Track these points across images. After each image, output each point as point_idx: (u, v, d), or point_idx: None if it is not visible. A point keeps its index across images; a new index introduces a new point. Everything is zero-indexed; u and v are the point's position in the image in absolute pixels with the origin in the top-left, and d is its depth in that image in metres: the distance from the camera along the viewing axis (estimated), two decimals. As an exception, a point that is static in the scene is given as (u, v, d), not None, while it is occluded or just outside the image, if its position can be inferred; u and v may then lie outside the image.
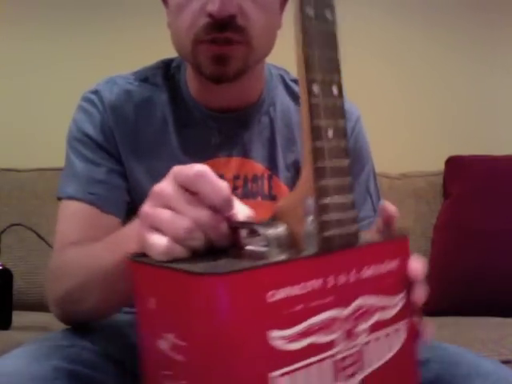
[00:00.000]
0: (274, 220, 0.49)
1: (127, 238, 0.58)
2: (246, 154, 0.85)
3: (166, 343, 0.44)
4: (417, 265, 0.54)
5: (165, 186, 0.48)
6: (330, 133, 0.47)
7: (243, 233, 0.49)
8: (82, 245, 0.74)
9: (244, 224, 0.49)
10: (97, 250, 0.67)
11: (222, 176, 0.83)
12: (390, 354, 0.52)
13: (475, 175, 1.70)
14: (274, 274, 0.43)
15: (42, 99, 1.97)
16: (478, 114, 1.96)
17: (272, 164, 0.86)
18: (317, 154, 0.46)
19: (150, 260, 0.46)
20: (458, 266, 1.59)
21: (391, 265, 0.52)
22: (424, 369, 0.66)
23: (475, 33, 1.96)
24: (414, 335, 0.55)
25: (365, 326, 0.49)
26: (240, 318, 0.41)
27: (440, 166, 1.80)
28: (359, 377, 0.49)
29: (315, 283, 0.45)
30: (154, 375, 0.47)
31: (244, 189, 0.84)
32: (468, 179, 1.70)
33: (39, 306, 1.63)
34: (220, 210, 0.47)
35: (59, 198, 0.84)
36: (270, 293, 0.42)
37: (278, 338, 0.43)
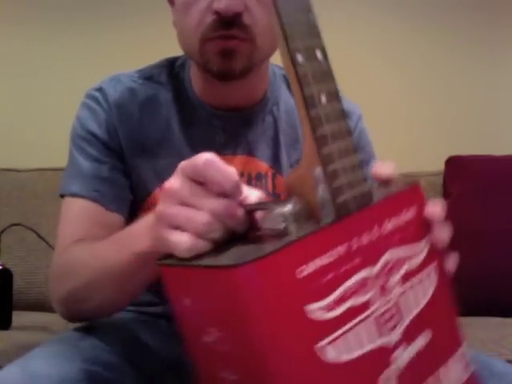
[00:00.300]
0: (285, 196, 0.49)
1: (135, 237, 0.58)
2: (250, 152, 0.86)
3: (210, 337, 0.45)
4: (434, 207, 0.54)
5: (175, 183, 0.49)
6: (323, 98, 0.47)
7: (258, 215, 0.49)
8: (86, 243, 0.75)
9: (258, 206, 0.49)
10: (102, 249, 0.67)
11: None
12: (427, 298, 0.53)
13: (475, 175, 1.70)
14: (299, 251, 0.43)
15: (42, 99, 1.97)
16: (477, 113, 1.96)
17: (276, 163, 0.86)
18: (314, 122, 0.46)
19: (178, 261, 0.46)
20: (458, 265, 1.59)
21: (409, 213, 0.52)
22: None
23: (475, 33, 1.96)
24: (444, 274, 0.56)
25: (396, 278, 0.50)
26: (275, 301, 0.42)
27: (440, 166, 1.80)
28: (401, 327, 0.50)
29: (340, 249, 0.45)
30: (208, 370, 0.48)
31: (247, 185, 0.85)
32: (468, 179, 1.70)
33: (39, 306, 1.63)
34: (231, 195, 0.48)
35: (62, 196, 0.84)
36: (299, 269, 0.43)
37: (316, 310, 0.43)
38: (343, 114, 0.48)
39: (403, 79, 1.97)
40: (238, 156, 0.85)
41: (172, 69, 0.89)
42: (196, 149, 0.83)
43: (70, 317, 0.77)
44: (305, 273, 0.43)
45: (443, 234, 0.55)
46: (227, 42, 0.76)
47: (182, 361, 0.83)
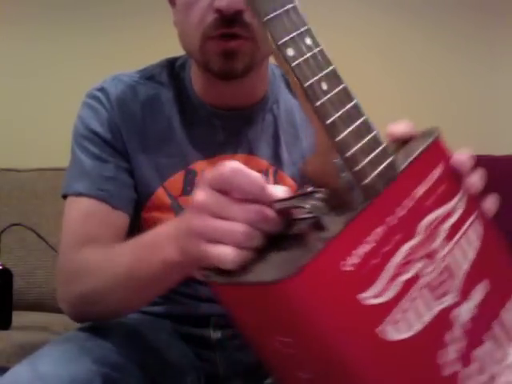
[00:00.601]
0: (310, 188, 0.49)
1: (160, 245, 0.58)
2: (250, 151, 0.86)
3: (276, 344, 0.46)
4: (460, 156, 0.53)
5: (203, 196, 0.49)
6: (324, 85, 0.46)
7: (289, 211, 0.49)
8: (99, 246, 0.74)
9: (289, 204, 0.48)
10: (121, 254, 0.67)
11: None
12: (476, 249, 0.53)
13: (475, 175, 1.69)
14: (339, 245, 0.43)
15: (42, 99, 1.97)
16: (477, 113, 1.96)
17: (277, 160, 0.86)
18: (321, 111, 0.46)
19: (226, 278, 0.46)
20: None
21: (437, 171, 0.51)
22: None
23: (475, 33, 1.96)
24: (488, 219, 0.55)
25: (440, 240, 0.50)
26: (328, 300, 0.42)
27: (440, 166, 1.80)
28: (456, 285, 0.50)
29: (378, 231, 0.45)
30: (283, 372, 0.49)
31: None
32: (468, 179, 1.70)
33: (39, 306, 1.63)
34: (260, 199, 0.48)
35: (65, 195, 0.83)
36: (343, 262, 0.43)
37: (370, 296, 0.44)
38: (348, 94, 0.47)
39: (403, 79, 1.97)
40: (238, 155, 0.85)
41: (172, 69, 0.90)
42: (197, 148, 0.84)
43: (79, 318, 0.77)
44: (350, 264, 0.43)
45: (475, 179, 0.54)
46: (228, 43, 0.75)
47: (186, 361, 0.84)
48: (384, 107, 1.92)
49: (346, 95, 0.47)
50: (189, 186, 0.84)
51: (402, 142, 0.54)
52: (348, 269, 0.43)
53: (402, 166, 0.49)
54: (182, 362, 0.82)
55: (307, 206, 0.46)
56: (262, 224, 0.47)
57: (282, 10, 0.47)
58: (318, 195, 0.47)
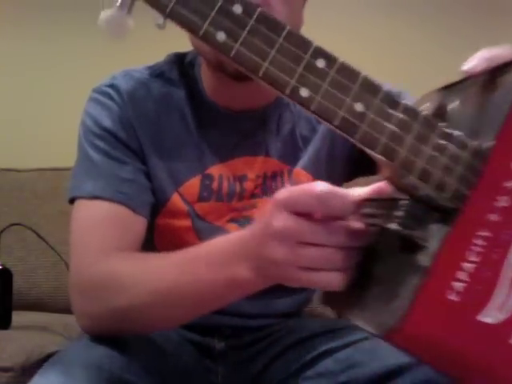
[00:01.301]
0: (391, 197, 0.46)
1: (226, 264, 0.55)
2: (266, 152, 0.82)
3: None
4: None
5: (284, 222, 0.46)
6: (360, 106, 0.43)
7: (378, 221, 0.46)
8: (126, 255, 0.68)
9: (378, 220, 0.46)
10: (162, 268, 0.62)
11: (245, 176, 0.81)
12: None
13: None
14: (444, 267, 0.40)
15: (42, 99, 1.97)
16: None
17: (293, 157, 0.83)
18: (367, 143, 0.42)
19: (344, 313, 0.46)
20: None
21: None
22: None
23: (475, 33, 1.96)
24: None
25: None
26: (450, 326, 0.40)
27: (440, 166, 1.80)
28: None
29: (480, 238, 0.41)
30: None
31: (263, 187, 0.82)
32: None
33: (39, 306, 1.63)
34: (349, 215, 0.46)
35: (72, 199, 0.76)
36: (452, 284, 0.40)
37: (490, 313, 0.41)
38: (392, 100, 0.43)
39: (403, 79, 1.96)
40: (253, 157, 0.81)
41: (182, 66, 0.85)
42: (212, 151, 0.80)
43: (104, 332, 0.68)
44: (460, 285, 0.40)
45: None
46: None
47: (193, 368, 0.81)
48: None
49: (391, 103, 0.44)
50: (205, 192, 0.79)
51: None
52: (458, 290, 0.40)
53: (483, 157, 0.42)
54: (190, 368, 0.81)
55: (396, 215, 0.43)
56: (355, 242, 0.46)
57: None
58: (401, 202, 0.43)
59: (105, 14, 0.46)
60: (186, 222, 0.79)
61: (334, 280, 0.46)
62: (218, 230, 0.79)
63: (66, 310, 1.54)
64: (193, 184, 0.79)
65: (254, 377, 0.82)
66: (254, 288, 0.55)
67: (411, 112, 0.43)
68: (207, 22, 0.42)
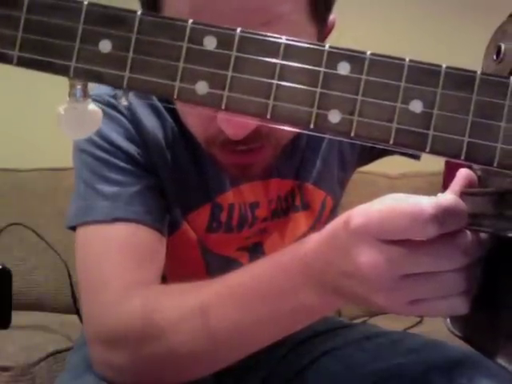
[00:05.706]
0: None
1: (293, 293, 0.50)
2: (278, 174, 0.74)
3: None
4: None
5: (381, 255, 0.41)
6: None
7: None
8: (161, 289, 0.61)
9: (479, 217, 0.40)
10: (215, 307, 0.54)
11: (257, 204, 0.74)
12: None
13: (475, 175, 1.69)
14: None
15: (42, 99, 1.97)
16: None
17: (301, 174, 0.76)
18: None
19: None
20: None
21: None
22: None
23: (475, 33, 1.96)
24: None
25: None
26: None
27: (440, 166, 1.79)
28: None
29: None
30: None
31: (274, 209, 0.76)
32: (468, 179, 1.69)
33: (38, 306, 1.63)
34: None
35: (76, 226, 0.65)
36: None
37: None
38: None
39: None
40: (263, 181, 0.73)
41: None
42: (221, 178, 0.70)
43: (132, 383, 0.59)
44: None
45: None
46: (242, 158, 0.62)
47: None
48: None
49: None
50: (214, 222, 0.72)
51: None
52: None
53: None
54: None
55: (508, 215, 0.38)
56: (471, 257, 0.41)
57: None
58: (507, 196, 0.39)
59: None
60: (194, 252, 0.74)
61: (459, 306, 0.42)
62: (228, 261, 0.74)
63: (66, 309, 1.55)
64: (201, 213, 0.72)
65: (261, 381, 0.81)
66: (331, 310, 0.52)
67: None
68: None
